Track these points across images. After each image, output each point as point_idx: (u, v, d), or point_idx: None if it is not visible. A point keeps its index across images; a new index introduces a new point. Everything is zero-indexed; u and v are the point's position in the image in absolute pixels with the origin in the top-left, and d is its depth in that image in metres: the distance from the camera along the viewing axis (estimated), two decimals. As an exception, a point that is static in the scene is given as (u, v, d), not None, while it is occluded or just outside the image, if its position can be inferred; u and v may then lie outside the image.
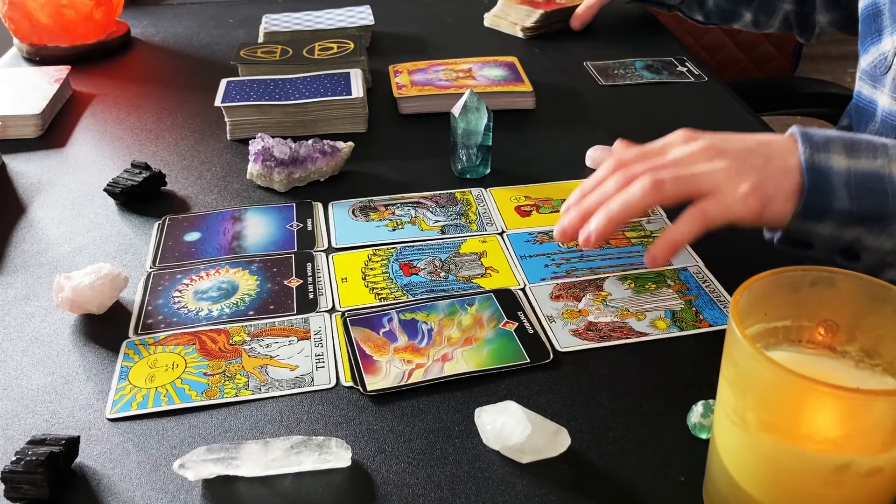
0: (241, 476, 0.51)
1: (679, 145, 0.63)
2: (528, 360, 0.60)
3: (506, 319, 0.64)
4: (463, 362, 0.60)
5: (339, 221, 0.78)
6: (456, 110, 0.82)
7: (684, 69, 1.10)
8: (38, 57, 1.18)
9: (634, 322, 0.64)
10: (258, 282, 0.70)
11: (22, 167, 0.91)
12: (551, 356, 0.60)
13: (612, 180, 0.62)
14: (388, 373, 0.59)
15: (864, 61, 0.96)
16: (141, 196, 0.82)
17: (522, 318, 0.64)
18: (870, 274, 0.46)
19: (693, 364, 0.60)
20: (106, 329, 0.65)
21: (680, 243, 0.60)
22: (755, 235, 0.74)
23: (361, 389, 0.58)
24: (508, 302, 0.66)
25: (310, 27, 1.19)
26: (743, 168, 0.60)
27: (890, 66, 0.91)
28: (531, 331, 0.62)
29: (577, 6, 1.25)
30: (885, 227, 0.60)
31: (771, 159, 0.61)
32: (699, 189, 0.60)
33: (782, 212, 0.60)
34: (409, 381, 0.58)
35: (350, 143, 0.86)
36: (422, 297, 0.67)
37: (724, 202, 0.59)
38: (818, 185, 0.59)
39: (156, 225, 0.79)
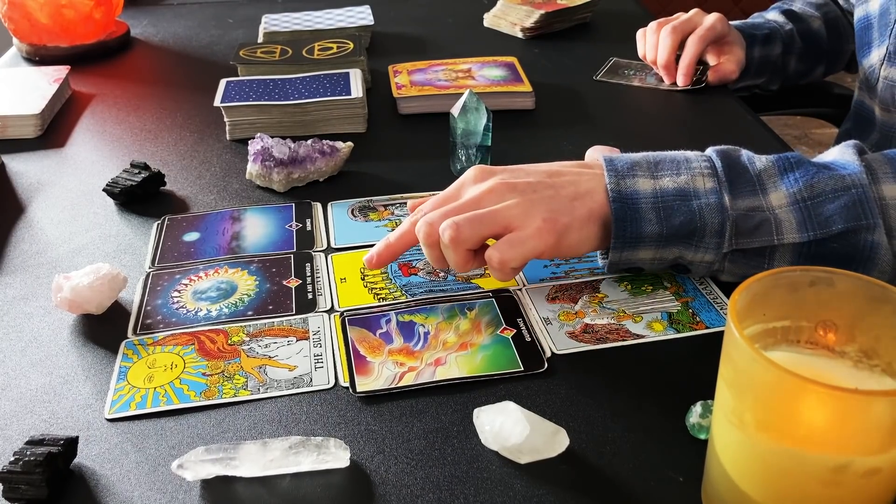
0: (239, 476, 0.51)
1: (471, 185, 0.64)
2: (522, 369, 0.60)
3: (504, 326, 0.64)
4: (455, 367, 0.60)
5: (338, 221, 0.78)
6: (455, 110, 0.82)
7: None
8: (38, 57, 1.18)
9: (631, 324, 0.64)
10: (257, 282, 0.70)
11: (21, 167, 0.91)
12: (545, 366, 0.60)
13: (420, 239, 0.63)
14: (379, 375, 0.59)
15: (861, 72, 0.97)
16: (140, 196, 0.82)
17: (521, 325, 0.64)
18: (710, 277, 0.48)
19: (691, 365, 0.60)
20: (105, 329, 0.65)
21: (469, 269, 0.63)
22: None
23: (351, 390, 0.58)
24: (509, 307, 0.66)
25: (309, 27, 1.19)
26: (534, 200, 0.61)
27: (878, 79, 0.92)
28: (528, 338, 0.62)
29: (577, 6, 1.25)
30: (700, 241, 0.61)
31: (560, 188, 0.62)
32: (495, 227, 0.61)
33: (582, 239, 0.61)
34: (399, 385, 0.58)
35: (349, 143, 0.86)
36: (421, 297, 0.67)
37: (517, 240, 0.60)
38: (626, 213, 0.60)
39: (155, 225, 0.79)
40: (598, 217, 0.61)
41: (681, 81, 1.02)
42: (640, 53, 1.09)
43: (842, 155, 0.62)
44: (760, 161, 0.62)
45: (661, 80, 1.06)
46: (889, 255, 0.59)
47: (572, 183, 0.62)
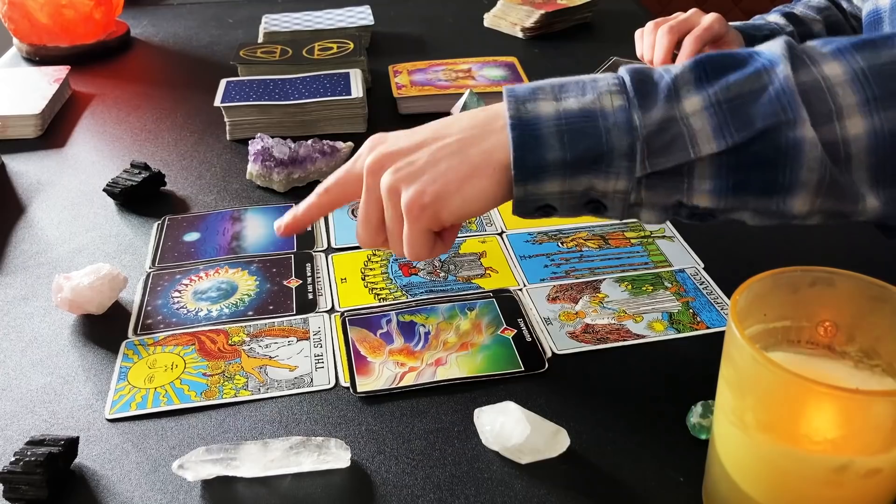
0: (240, 476, 0.51)
1: (363, 158, 0.58)
2: (523, 369, 0.60)
3: (504, 326, 0.64)
4: (456, 367, 0.60)
5: (338, 222, 0.78)
6: (455, 110, 0.82)
7: None
8: (38, 57, 1.18)
9: (631, 324, 0.64)
10: (257, 282, 0.70)
11: (21, 167, 0.91)
12: (546, 366, 0.60)
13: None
14: (380, 375, 0.59)
15: None
16: (140, 196, 0.82)
17: (522, 325, 0.64)
18: (634, 218, 0.46)
19: (691, 365, 0.60)
20: (105, 329, 0.65)
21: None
22: (754, 236, 0.74)
23: (351, 390, 0.58)
24: (510, 307, 0.66)
25: (309, 27, 1.19)
26: (401, 169, 0.55)
27: None
28: (529, 339, 0.62)
29: (577, 6, 1.25)
30: (609, 166, 0.53)
31: (446, 147, 0.55)
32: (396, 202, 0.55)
33: (463, 208, 0.54)
34: (399, 385, 0.58)
35: (350, 143, 0.86)
36: (421, 297, 0.67)
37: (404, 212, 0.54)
38: (526, 141, 0.53)
39: (155, 225, 0.79)
40: (504, 164, 0.54)
41: None
42: (638, 53, 1.09)
43: (768, 47, 0.55)
44: (675, 69, 0.55)
45: None
46: (817, 149, 0.50)
47: (480, 126, 0.56)
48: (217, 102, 0.94)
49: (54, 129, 0.99)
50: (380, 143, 0.57)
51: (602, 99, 0.54)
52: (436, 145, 0.55)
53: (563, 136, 0.53)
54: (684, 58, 1.01)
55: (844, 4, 1.11)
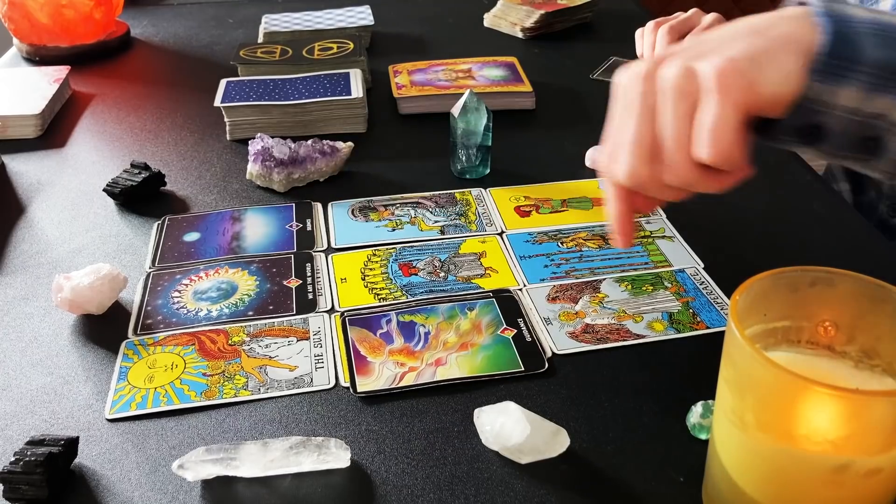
0: (240, 476, 0.51)
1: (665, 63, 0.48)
2: (523, 369, 0.60)
3: (504, 326, 0.64)
4: (456, 367, 0.60)
5: (338, 222, 0.78)
6: (456, 110, 0.82)
7: None
8: (38, 57, 1.18)
9: (631, 324, 0.64)
10: (257, 282, 0.70)
11: (21, 167, 0.91)
12: (546, 366, 0.60)
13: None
14: (380, 375, 0.59)
15: None
16: (140, 196, 0.82)
17: (522, 325, 0.64)
18: (887, 181, 0.37)
19: (691, 365, 0.60)
20: (105, 329, 0.65)
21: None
22: (753, 237, 0.75)
23: (351, 390, 0.58)
24: (509, 307, 0.66)
25: (309, 27, 1.19)
26: (711, 48, 0.46)
27: None
28: (529, 338, 0.62)
29: (577, 6, 1.25)
30: None
31: (757, 28, 0.47)
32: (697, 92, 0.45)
33: (784, 71, 0.45)
34: (399, 385, 0.58)
35: (350, 144, 0.86)
36: (421, 297, 0.67)
37: (695, 69, 0.45)
38: (838, 32, 0.45)
39: (155, 225, 0.79)
40: (805, 49, 0.45)
41: None
42: (639, 52, 1.09)
43: None
44: None
45: None
46: None
47: (768, 22, 0.47)
48: (217, 102, 0.94)
49: (54, 129, 0.99)
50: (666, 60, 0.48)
51: None
52: (724, 31, 0.47)
53: (882, 38, 0.45)
54: None
55: None
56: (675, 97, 0.45)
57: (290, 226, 0.78)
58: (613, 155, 0.49)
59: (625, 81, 0.49)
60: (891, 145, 0.47)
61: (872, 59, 0.45)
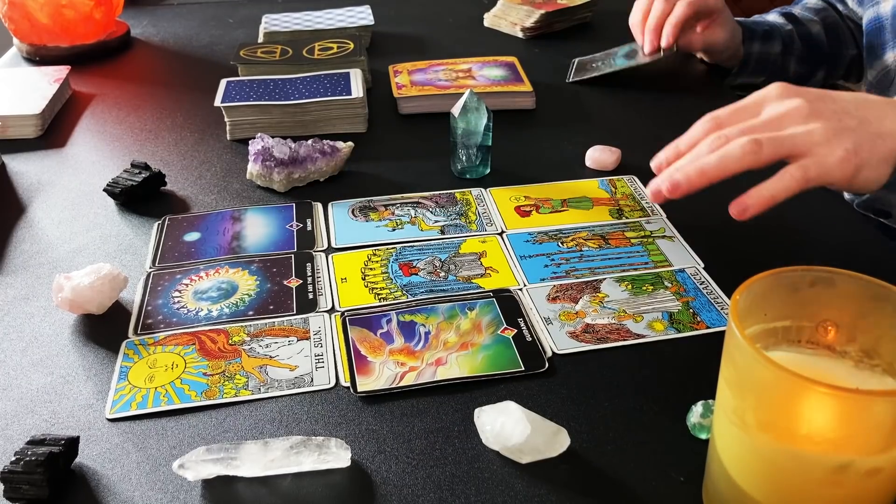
0: (240, 476, 0.51)
1: (774, 102, 0.62)
2: (523, 368, 0.60)
3: (505, 325, 0.64)
4: (456, 367, 0.60)
5: (338, 221, 0.78)
6: (456, 110, 0.82)
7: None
8: (38, 57, 1.18)
9: (632, 324, 0.64)
10: (258, 282, 0.70)
11: (22, 167, 0.91)
12: (546, 366, 0.60)
13: (706, 142, 0.61)
14: (380, 374, 0.59)
15: (870, 74, 0.96)
16: (141, 196, 0.82)
17: (522, 324, 0.64)
18: None
19: (692, 365, 0.60)
20: (105, 329, 0.65)
21: (777, 199, 0.59)
22: (753, 237, 0.75)
23: (352, 390, 0.58)
24: (510, 307, 0.66)
25: (310, 27, 1.19)
26: (839, 130, 0.60)
27: (893, 80, 0.92)
28: (529, 338, 0.62)
29: (577, 6, 1.25)
30: None
31: (865, 122, 0.60)
32: (794, 151, 0.59)
33: (874, 177, 0.59)
34: (399, 384, 0.58)
35: (350, 143, 0.86)
36: (421, 297, 0.67)
37: (821, 164, 0.58)
38: None
39: (155, 225, 0.79)
40: (894, 159, 0.60)
41: (665, 42, 1.01)
42: (632, 21, 1.08)
43: None
44: None
45: (633, 57, 1.05)
46: None
47: (878, 118, 0.61)
48: (217, 102, 0.94)
49: (54, 129, 0.99)
50: (796, 94, 0.62)
51: None
52: (856, 122, 0.60)
53: None
54: (675, 18, 1.00)
55: (840, 7, 1.11)
56: (783, 142, 0.59)
57: (291, 226, 0.78)
58: None
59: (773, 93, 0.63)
60: None
61: None
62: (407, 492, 0.50)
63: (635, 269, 0.70)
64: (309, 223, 0.78)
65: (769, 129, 0.60)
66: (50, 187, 0.87)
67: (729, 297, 0.66)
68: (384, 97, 1.03)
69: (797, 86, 0.63)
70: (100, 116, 1.03)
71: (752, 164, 0.59)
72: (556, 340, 0.62)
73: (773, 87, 0.63)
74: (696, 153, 0.61)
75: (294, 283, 0.70)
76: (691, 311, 0.65)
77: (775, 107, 0.62)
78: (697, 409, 0.54)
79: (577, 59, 1.13)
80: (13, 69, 1.14)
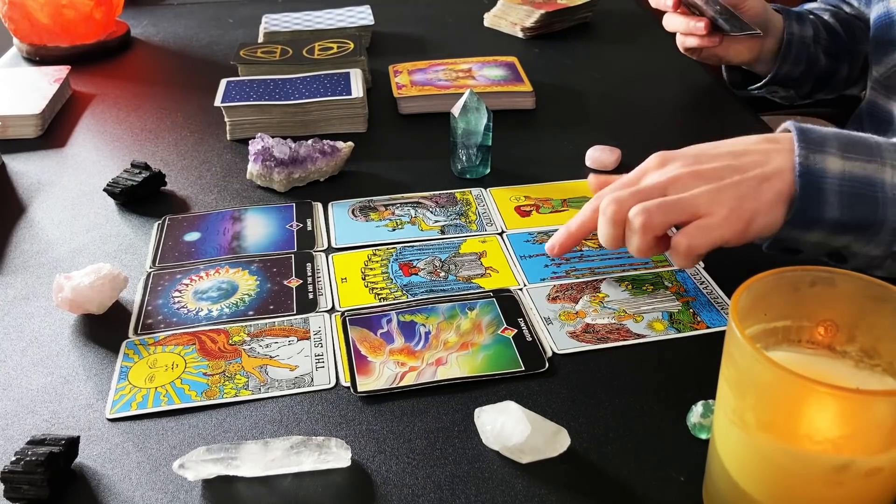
0: (240, 476, 0.51)
1: (654, 171, 0.63)
2: (523, 368, 0.60)
3: (505, 325, 0.64)
4: (457, 367, 0.60)
5: (338, 221, 0.78)
6: (456, 110, 0.82)
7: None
8: (38, 57, 1.18)
9: (632, 324, 0.64)
10: (258, 282, 0.70)
11: (22, 167, 0.91)
12: (546, 365, 0.60)
13: (602, 219, 0.62)
14: (380, 374, 0.59)
15: (877, 71, 0.95)
16: (141, 196, 0.82)
17: (522, 324, 0.64)
18: (856, 271, 0.46)
19: (692, 365, 0.60)
20: (106, 329, 0.65)
21: (685, 267, 0.61)
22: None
23: (352, 390, 0.58)
24: (510, 307, 0.66)
25: (310, 27, 1.19)
26: (721, 188, 0.59)
27: None
28: (529, 338, 0.62)
29: (577, 6, 1.25)
30: (874, 235, 0.59)
31: (749, 170, 0.60)
32: (683, 215, 0.59)
33: (769, 222, 0.59)
34: (400, 384, 0.58)
35: (350, 143, 0.86)
36: (421, 297, 0.67)
37: (706, 228, 0.59)
38: (810, 192, 0.58)
39: (155, 225, 0.79)
40: (786, 197, 0.59)
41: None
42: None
43: None
44: None
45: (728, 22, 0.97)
46: None
47: (758, 164, 0.60)
48: (217, 102, 0.94)
49: (54, 129, 0.99)
50: (672, 160, 0.63)
51: (884, 170, 0.58)
52: (738, 175, 0.60)
53: (843, 198, 0.57)
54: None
55: (846, 8, 1.10)
56: (665, 209, 0.60)
57: (291, 226, 0.78)
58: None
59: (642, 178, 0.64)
60: (857, 262, 0.61)
61: (833, 219, 0.58)
62: (407, 492, 0.50)
63: (635, 269, 0.70)
64: (309, 223, 0.78)
65: (655, 195, 0.61)
66: (50, 187, 0.87)
67: (729, 297, 0.66)
68: (384, 97, 1.03)
69: (671, 151, 0.64)
70: (100, 116, 1.03)
71: (647, 232, 0.60)
72: (557, 340, 0.62)
73: (652, 158, 0.64)
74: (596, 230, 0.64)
75: (294, 283, 0.70)
76: (691, 311, 0.65)
77: (656, 175, 0.62)
78: (697, 409, 0.54)
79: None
80: (13, 69, 1.14)
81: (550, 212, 0.79)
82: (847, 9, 1.10)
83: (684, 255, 0.59)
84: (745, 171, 0.60)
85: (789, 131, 0.61)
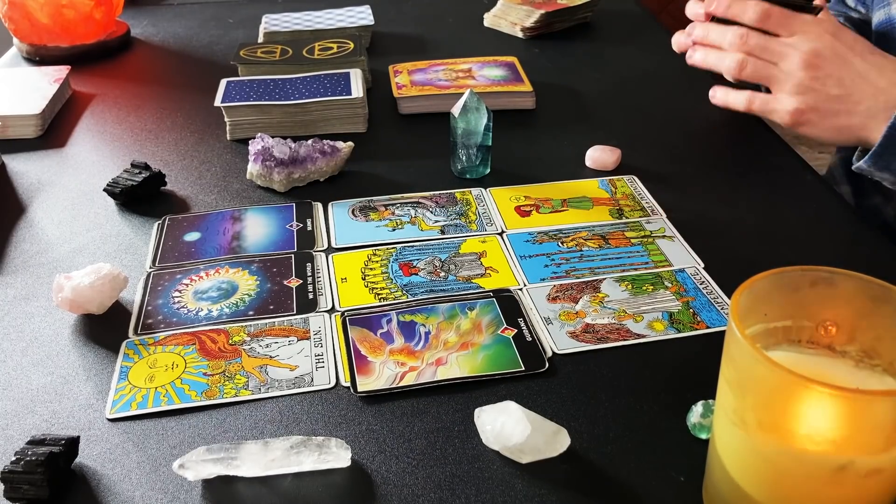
0: (240, 476, 0.51)
1: (801, 37, 0.72)
2: (523, 368, 0.60)
3: (505, 325, 0.64)
4: (457, 367, 0.60)
5: (338, 221, 0.78)
6: (456, 110, 0.82)
7: None
8: (38, 57, 1.18)
9: (632, 324, 0.64)
10: (258, 282, 0.70)
11: (22, 167, 0.91)
12: (546, 365, 0.60)
13: (728, 36, 0.77)
14: (380, 374, 0.59)
15: None
16: (141, 196, 0.82)
17: (522, 324, 0.64)
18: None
19: (692, 365, 0.60)
20: (106, 329, 0.65)
21: (728, 105, 0.78)
22: (754, 237, 0.75)
23: (352, 390, 0.58)
24: (510, 307, 0.66)
25: (310, 27, 1.19)
26: (810, 88, 0.70)
27: None
28: (529, 338, 0.62)
29: (577, 6, 1.25)
30: None
31: (848, 95, 0.68)
32: (766, 83, 0.72)
33: (818, 136, 0.71)
34: (400, 384, 0.58)
35: (350, 143, 0.86)
36: (421, 297, 0.67)
37: (770, 104, 0.73)
38: (891, 146, 0.68)
39: (156, 225, 0.79)
40: (852, 136, 0.71)
41: None
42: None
43: None
44: None
45: None
46: None
47: (864, 99, 0.69)
48: (217, 102, 0.94)
49: (54, 129, 0.99)
50: (819, 40, 0.72)
51: None
52: (838, 90, 0.71)
53: None
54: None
55: (854, 15, 1.10)
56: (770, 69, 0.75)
57: (291, 226, 0.78)
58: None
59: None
60: None
61: None
62: (407, 492, 0.50)
63: (635, 269, 0.70)
64: (309, 223, 0.78)
65: (766, 56, 0.73)
66: (50, 187, 0.87)
67: (729, 297, 0.66)
68: (384, 97, 1.03)
69: (842, 30, 0.72)
70: (100, 116, 1.03)
71: (730, 75, 0.76)
72: (557, 340, 0.62)
73: (819, 22, 0.73)
74: (712, 39, 0.79)
75: (294, 283, 0.70)
76: (691, 311, 0.65)
77: (799, 41, 0.72)
78: (697, 409, 0.54)
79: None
80: (13, 69, 1.14)
81: (550, 212, 0.79)
82: (855, 14, 1.10)
83: (742, 103, 0.77)
84: (846, 94, 0.71)
85: None
